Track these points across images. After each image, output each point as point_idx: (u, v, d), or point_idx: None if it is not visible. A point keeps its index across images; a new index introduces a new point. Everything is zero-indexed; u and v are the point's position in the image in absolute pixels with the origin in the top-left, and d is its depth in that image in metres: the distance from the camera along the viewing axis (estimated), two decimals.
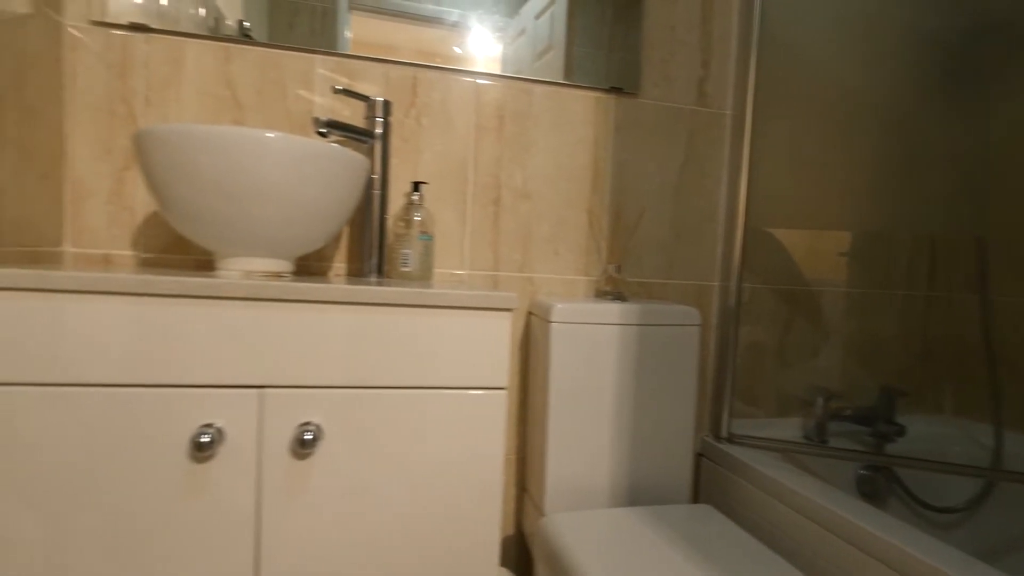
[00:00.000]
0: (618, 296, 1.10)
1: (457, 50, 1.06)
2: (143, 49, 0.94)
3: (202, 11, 0.96)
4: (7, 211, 0.78)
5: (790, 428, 1.22)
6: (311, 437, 0.64)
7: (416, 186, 1.00)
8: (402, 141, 1.05)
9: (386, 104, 0.96)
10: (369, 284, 0.70)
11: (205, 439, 0.61)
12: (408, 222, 0.98)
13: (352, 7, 1.03)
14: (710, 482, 1.15)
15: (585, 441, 1.00)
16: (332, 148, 0.76)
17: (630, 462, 1.03)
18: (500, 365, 0.70)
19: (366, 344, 0.66)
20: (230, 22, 0.98)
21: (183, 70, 0.96)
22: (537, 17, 1.10)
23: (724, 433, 1.16)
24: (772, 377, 1.26)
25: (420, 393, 0.68)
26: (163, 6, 0.94)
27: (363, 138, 0.94)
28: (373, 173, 0.96)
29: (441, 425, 0.69)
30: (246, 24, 0.99)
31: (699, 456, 1.20)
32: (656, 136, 1.17)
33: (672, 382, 1.05)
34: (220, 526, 0.64)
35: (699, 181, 1.21)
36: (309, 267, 1.02)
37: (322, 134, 0.86)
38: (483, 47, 1.07)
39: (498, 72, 1.08)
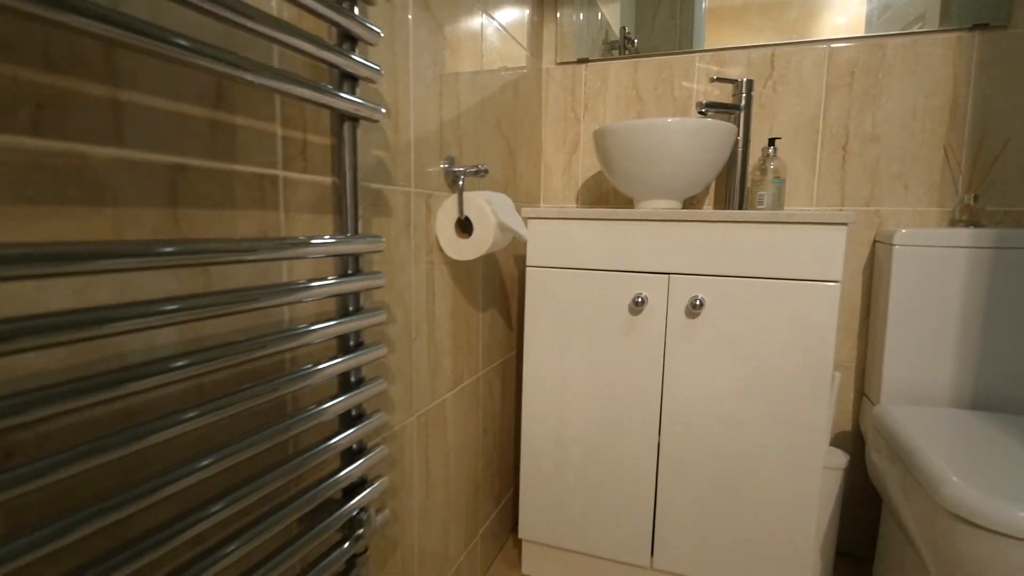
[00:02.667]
0: (974, 223, 1.18)
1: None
2: (584, 74, 1.49)
3: (610, 36, 1.45)
4: (521, 184, 1.41)
5: None
6: (698, 305, 1.04)
7: (771, 142, 1.29)
8: (760, 107, 1.35)
9: (749, 83, 1.28)
10: (745, 212, 1.06)
11: (639, 301, 1.08)
12: (764, 170, 1.28)
13: None
14: None
15: (924, 350, 1.16)
16: (708, 122, 1.13)
17: (976, 373, 1.14)
18: (835, 265, 0.97)
19: (731, 248, 1.03)
20: (615, 28, 1.44)
21: (607, 83, 1.47)
22: None
23: None
24: None
25: (770, 282, 1.01)
26: (594, 41, 1.46)
27: (731, 110, 1.29)
28: (737, 136, 1.29)
29: (788, 304, 1.01)
30: (627, 30, 1.44)
31: None
32: None
33: None
34: (643, 353, 1.10)
35: None
36: (691, 205, 1.43)
37: (702, 113, 1.25)
38: (844, 8, 1.28)
39: (851, 35, 1.27)
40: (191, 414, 0.44)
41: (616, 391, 1.13)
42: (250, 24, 0.47)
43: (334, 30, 0.65)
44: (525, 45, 1.38)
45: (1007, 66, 1.19)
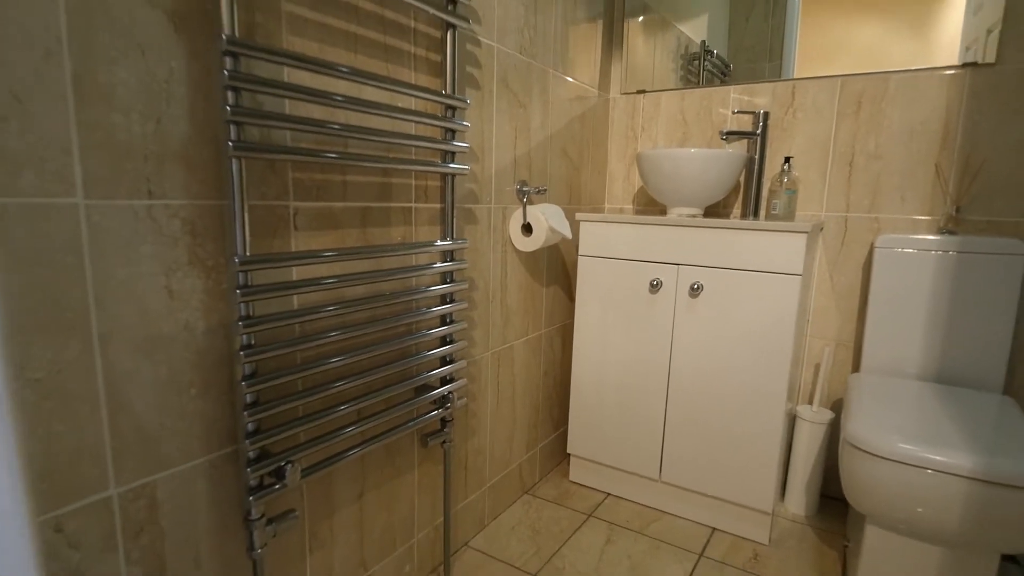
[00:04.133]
0: (949, 231, 1.43)
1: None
2: (641, 102, 1.87)
3: (678, 67, 1.81)
4: (585, 190, 1.84)
5: None
6: (698, 288, 1.43)
7: (786, 159, 1.60)
8: (782, 130, 1.66)
9: (765, 114, 1.60)
10: (733, 220, 1.42)
11: (655, 284, 1.48)
12: (779, 182, 1.60)
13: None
14: None
15: (896, 332, 1.44)
16: (718, 152, 1.49)
17: (940, 353, 1.41)
18: (797, 262, 1.31)
19: (723, 247, 1.40)
20: (695, 40, 1.79)
21: (659, 109, 1.84)
22: None
23: None
24: None
25: (750, 273, 1.37)
26: (657, 69, 1.84)
27: (749, 136, 1.62)
28: (755, 155, 1.62)
29: (762, 289, 1.36)
30: (708, 45, 1.78)
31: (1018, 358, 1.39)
32: (1013, 95, 1.38)
33: (992, 298, 1.34)
34: (658, 322, 1.51)
35: None
36: (716, 211, 1.77)
37: (724, 138, 1.60)
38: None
39: (856, 71, 1.54)
40: (372, 329, 0.97)
41: (639, 348, 1.55)
42: (405, 117, 0.98)
43: (442, 107, 1.15)
44: (595, 83, 1.79)
45: (993, 98, 1.40)
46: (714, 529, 1.53)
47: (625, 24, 1.89)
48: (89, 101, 0.65)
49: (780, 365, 1.36)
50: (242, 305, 0.79)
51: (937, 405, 1.24)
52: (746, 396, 1.41)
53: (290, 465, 0.85)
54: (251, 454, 0.82)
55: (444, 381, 1.18)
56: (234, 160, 0.75)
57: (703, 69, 1.79)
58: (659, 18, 1.84)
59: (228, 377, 0.83)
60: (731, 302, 1.41)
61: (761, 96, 1.68)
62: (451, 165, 1.12)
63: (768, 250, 1.35)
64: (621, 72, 1.90)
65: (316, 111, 0.91)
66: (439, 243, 1.12)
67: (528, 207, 1.41)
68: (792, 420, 1.62)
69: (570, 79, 1.66)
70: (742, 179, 1.73)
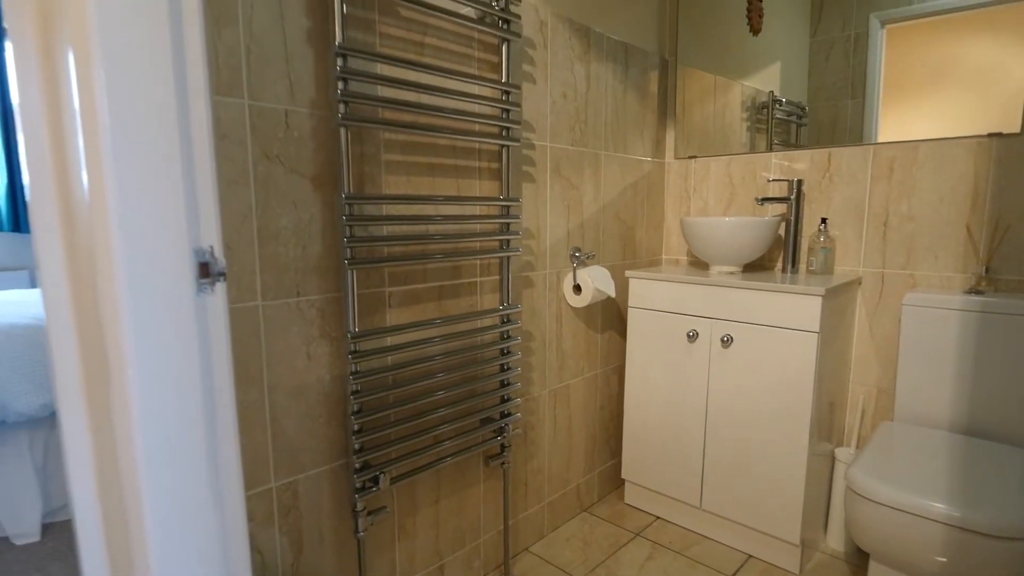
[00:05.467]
0: (977, 291, 1.52)
1: None
2: (693, 167, 2.10)
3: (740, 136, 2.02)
4: (643, 243, 2.10)
5: None
6: (728, 340, 1.64)
7: (823, 220, 1.76)
8: (819, 192, 1.81)
9: (798, 182, 1.77)
10: (757, 281, 1.61)
11: (691, 335, 1.71)
12: (816, 240, 1.76)
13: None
14: None
15: (925, 384, 1.55)
16: (749, 220, 1.69)
17: (968, 406, 1.50)
18: (814, 321, 1.48)
19: (751, 304, 1.59)
20: (764, 90, 1.99)
21: (709, 172, 2.06)
22: None
23: None
24: None
25: (775, 329, 1.56)
26: (709, 135, 2.06)
27: (785, 200, 1.80)
28: (791, 216, 1.79)
29: (785, 343, 1.55)
30: (776, 95, 1.98)
31: None
32: None
33: (1018, 356, 1.42)
34: (695, 368, 1.73)
35: None
36: (760, 263, 1.95)
37: (761, 203, 1.79)
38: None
39: (889, 140, 1.67)
40: (446, 377, 1.32)
41: (680, 389, 1.78)
42: (471, 220, 1.33)
43: (500, 207, 1.48)
44: (648, 153, 2.06)
45: (1018, 166, 1.49)
46: (749, 556, 1.70)
47: (679, 95, 2.13)
48: (265, 241, 1.06)
49: (802, 413, 1.53)
50: (352, 364, 1.17)
51: (951, 456, 1.35)
52: (772, 438, 1.59)
53: (382, 475, 1.22)
54: (357, 465, 1.20)
55: (503, 415, 1.51)
56: (349, 270, 1.14)
57: (771, 118, 1.98)
58: (720, 80, 2.05)
59: (343, 411, 1.21)
60: (758, 354, 1.60)
61: (800, 162, 1.85)
62: (506, 252, 1.45)
63: (788, 309, 1.53)
64: (675, 138, 2.14)
65: (406, 229, 1.29)
66: (499, 309, 1.45)
67: (578, 271, 1.70)
68: (832, 460, 1.75)
69: (621, 155, 1.94)
70: (782, 232, 1.90)
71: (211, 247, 0.70)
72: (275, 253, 1.08)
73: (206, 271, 0.70)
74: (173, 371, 0.68)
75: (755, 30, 2.03)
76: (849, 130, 1.76)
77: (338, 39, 1.07)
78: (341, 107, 1.09)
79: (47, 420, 1.87)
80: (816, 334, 1.49)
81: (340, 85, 1.08)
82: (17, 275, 3.49)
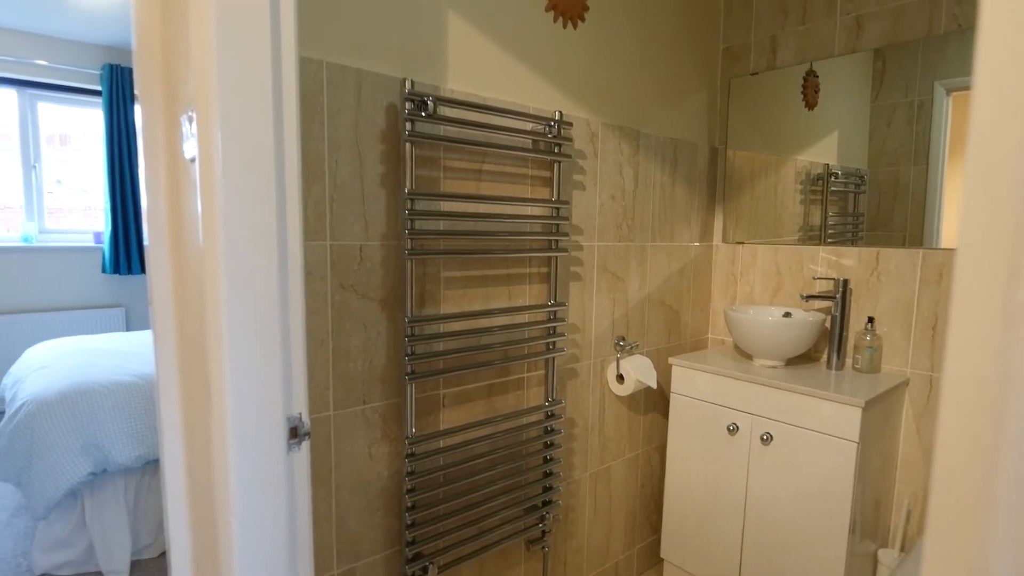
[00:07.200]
0: None
1: None
2: (739, 252, 2.15)
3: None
4: (689, 325, 2.15)
5: None
6: (768, 439, 1.67)
7: (870, 319, 1.77)
8: (866, 289, 1.83)
9: (844, 281, 1.80)
10: (796, 384, 1.65)
11: (731, 428, 1.75)
12: (862, 338, 1.78)
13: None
14: None
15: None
16: (791, 321, 1.73)
17: None
18: (853, 430, 1.51)
19: (791, 405, 1.63)
20: (818, 161, 2.03)
21: (756, 259, 2.10)
22: None
23: None
24: None
25: (814, 433, 1.59)
26: (757, 218, 2.11)
27: (830, 299, 1.82)
28: (836, 313, 1.82)
29: (823, 448, 1.57)
30: (832, 166, 2.02)
31: None
32: None
33: None
34: (735, 460, 1.77)
35: None
36: (806, 355, 1.96)
37: (806, 300, 1.83)
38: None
39: (933, 246, 1.68)
40: (492, 472, 1.43)
41: (720, 477, 1.82)
42: (519, 324, 1.44)
43: (546, 313, 1.60)
44: (696, 238, 2.12)
45: None
46: None
47: (728, 179, 2.19)
48: (338, 358, 1.21)
49: (840, 516, 1.55)
50: (408, 464, 1.30)
51: None
52: (811, 536, 1.61)
53: (431, 564, 1.34)
54: (409, 555, 1.32)
55: (545, 503, 1.60)
56: (409, 383, 1.28)
57: (827, 190, 2.02)
58: (772, 158, 2.10)
59: (399, 506, 1.34)
60: (797, 455, 1.63)
61: (847, 258, 1.87)
62: (553, 352, 1.56)
63: (828, 415, 1.56)
64: (723, 222, 2.20)
65: (461, 343, 1.42)
66: (544, 405, 1.56)
67: (621, 361, 1.79)
68: (875, 562, 1.74)
69: (668, 243, 2.01)
70: (828, 324, 1.91)
71: (300, 413, 0.85)
72: (346, 368, 1.23)
73: (295, 433, 0.84)
74: (267, 516, 0.82)
75: (811, 105, 2.07)
76: (912, 197, 1.75)
77: (408, 185, 1.22)
78: (408, 242, 1.24)
79: (139, 468, 2.11)
80: (855, 444, 1.51)
81: (409, 224, 1.23)
82: (114, 312, 3.88)
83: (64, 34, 3.65)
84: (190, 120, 0.80)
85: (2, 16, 3.35)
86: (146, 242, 1.01)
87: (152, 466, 2.11)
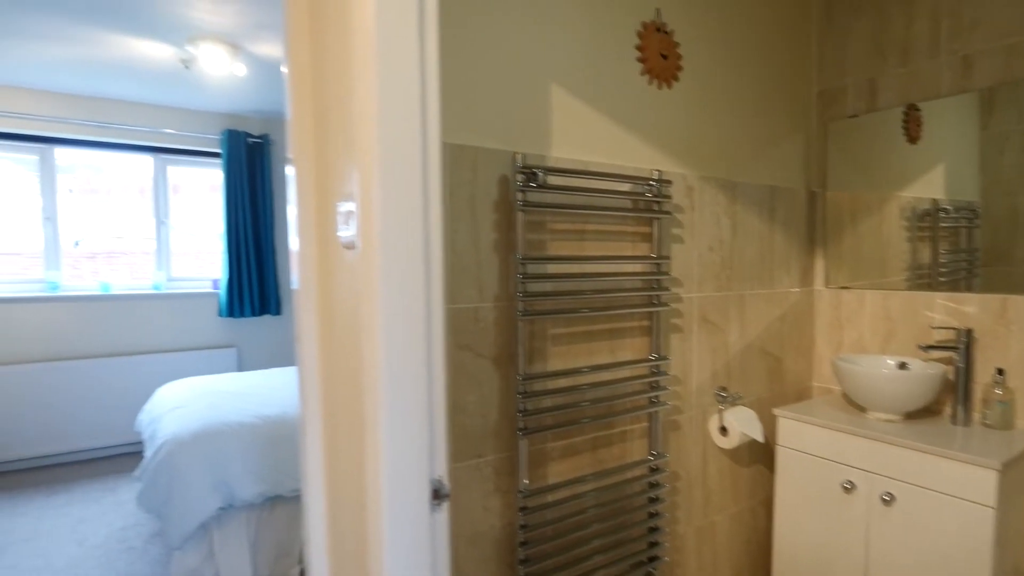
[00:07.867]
0: None
1: None
2: (845, 297, 2.07)
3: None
4: (791, 372, 2.09)
5: None
6: (889, 498, 1.58)
7: (999, 371, 1.66)
8: (993, 339, 1.71)
9: (968, 331, 1.69)
10: (919, 442, 1.55)
11: (847, 486, 1.67)
12: (991, 392, 1.66)
13: None
14: None
15: None
16: (908, 374, 1.65)
17: None
18: (989, 495, 1.40)
19: (913, 465, 1.54)
20: (924, 196, 1.94)
21: (864, 305, 2.02)
22: None
23: None
24: None
25: (939, 495, 1.49)
26: (852, 267, 2.04)
27: (952, 349, 1.72)
28: (960, 364, 1.71)
29: (955, 513, 1.47)
30: (939, 202, 1.91)
31: None
32: None
33: None
34: (853, 521, 1.68)
35: None
36: (927, 408, 1.85)
37: (924, 349, 1.74)
38: None
39: None
40: (598, 526, 1.45)
41: (836, 539, 1.73)
42: (622, 379, 1.47)
43: (648, 368, 1.61)
44: (796, 283, 2.08)
45: None
46: None
47: (827, 222, 2.13)
48: (455, 413, 1.29)
49: None
50: (521, 517, 1.34)
51: None
52: None
53: None
54: None
55: (651, 559, 1.59)
56: (521, 439, 1.33)
57: (937, 227, 1.93)
58: (874, 198, 2.02)
59: (511, 556, 1.38)
60: (925, 518, 1.53)
61: (969, 305, 1.76)
62: (656, 407, 1.57)
63: (959, 477, 1.46)
64: (824, 266, 2.13)
65: (568, 399, 1.46)
66: (648, 460, 1.56)
67: (724, 413, 1.76)
68: None
69: (767, 291, 1.98)
70: (950, 376, 1.80)
71: (440, 476, 0.92)
72: (462, 423, 1.30)
73: (437, 494, 0.91)
74: (414, 571, 0.89)
75: (913, 139, 2.00)
76: None
77: (520, 251, 1.30)
78: (520, 304, 1.31)
79: (259, 504, 2.27)
80: (992, 510, 1.41)
81: (522, 286, 1.30)
82: (228, 352, 4.23)
83: (191, 105, 4.13)
84: (349, 216, 0.91)
85: (140, 93, 3.84)
86: (297, 311, 1.13)
87: (271, 502, 2.27)
